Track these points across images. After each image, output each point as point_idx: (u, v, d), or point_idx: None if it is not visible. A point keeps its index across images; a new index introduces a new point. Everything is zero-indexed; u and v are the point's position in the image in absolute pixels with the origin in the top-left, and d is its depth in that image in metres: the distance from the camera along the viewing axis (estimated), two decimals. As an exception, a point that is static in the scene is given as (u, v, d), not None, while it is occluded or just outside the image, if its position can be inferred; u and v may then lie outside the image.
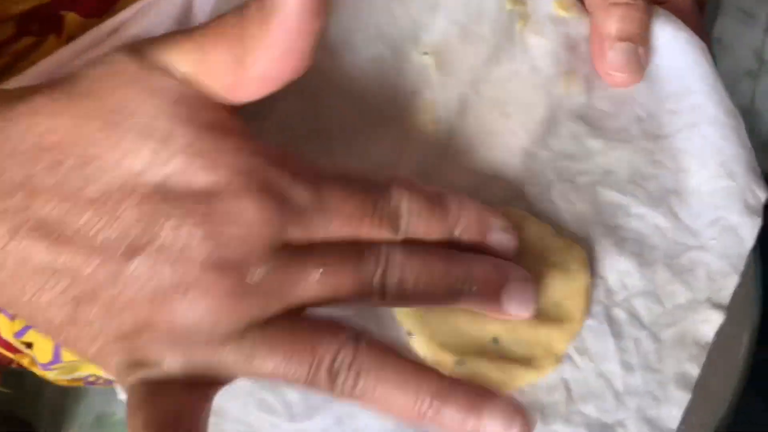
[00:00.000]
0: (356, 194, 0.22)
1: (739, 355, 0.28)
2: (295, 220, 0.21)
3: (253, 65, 0.21)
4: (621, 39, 0.29)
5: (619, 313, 0.27)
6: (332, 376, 0.21)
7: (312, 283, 0.21)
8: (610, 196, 0.30)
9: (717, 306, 0.28)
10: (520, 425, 0.22)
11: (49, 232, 0.19)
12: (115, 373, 0.21)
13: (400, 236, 0.23)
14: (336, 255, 0.21)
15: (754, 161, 0.31)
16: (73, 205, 0.19)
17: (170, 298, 0.19)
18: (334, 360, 0.21)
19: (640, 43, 0.29)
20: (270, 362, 0.20)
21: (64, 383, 0.39)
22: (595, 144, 0.31)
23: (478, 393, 0.22)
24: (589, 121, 0.31)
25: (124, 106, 0.20)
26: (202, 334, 0.20)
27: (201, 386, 0.21)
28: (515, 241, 0.26)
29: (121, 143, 0.20)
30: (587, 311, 0.27)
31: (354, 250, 0.22)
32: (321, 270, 0.21)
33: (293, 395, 0.25)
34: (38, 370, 0.37)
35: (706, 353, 0.27)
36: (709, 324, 0.28)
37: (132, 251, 0.19)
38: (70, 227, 0.19)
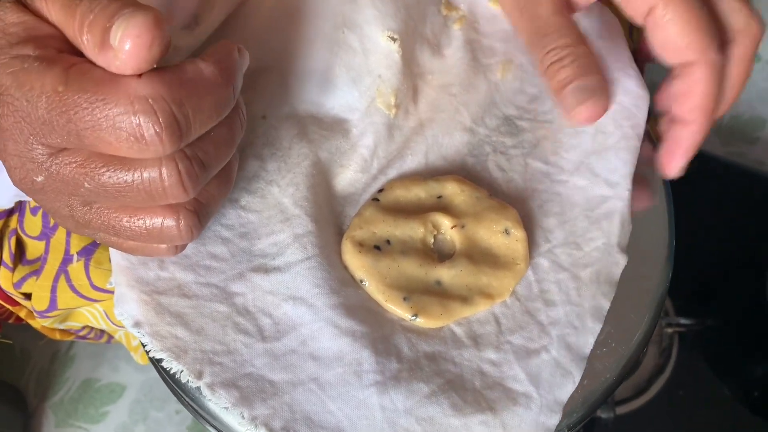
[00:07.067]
0: None
1: (652, 294, 0.32)
2: None
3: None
4: (565, 85, 0.29)
5: (542, 262, 0.32)
6: None
7: None
8: (537, 165, 0.35)
9: (624, 251, 0.32)
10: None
11: None
12: None
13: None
14: None
15: None
16: None
17: None
18: None
19: (584, 76, 0.29)
20: None
21: (57, 336, 0.42)
22: (524, 124, 0.36)
23: None
24: (520, 104, 0.36)
25: None
26: None
27: None
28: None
29: None
30: (527, 259, 0.31)
31: None
32: None
33: (265, 320, 0.29)
34: (35, 322, 0.40)
35: (614, 290, 0.31)
36: (617, 266, 0.32)
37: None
38: None
